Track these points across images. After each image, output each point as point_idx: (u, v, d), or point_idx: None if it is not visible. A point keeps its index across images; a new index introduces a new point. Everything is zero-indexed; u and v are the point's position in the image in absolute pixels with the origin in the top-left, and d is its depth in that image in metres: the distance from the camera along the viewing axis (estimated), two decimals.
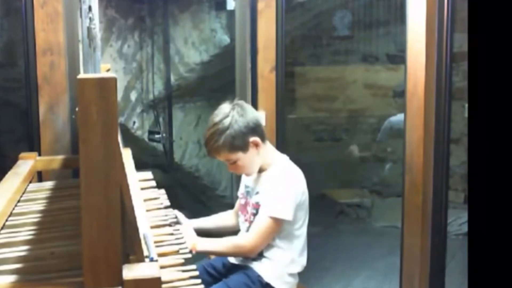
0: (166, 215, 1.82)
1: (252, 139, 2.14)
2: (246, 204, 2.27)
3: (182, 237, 1.75)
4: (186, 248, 1.94)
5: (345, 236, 4.68)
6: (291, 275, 2.18)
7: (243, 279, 2.14)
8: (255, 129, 2.15)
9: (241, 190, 2.35)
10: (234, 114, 2.13)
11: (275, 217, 2.09)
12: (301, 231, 2.20)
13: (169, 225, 1.77)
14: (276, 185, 2.13)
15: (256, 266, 2.17)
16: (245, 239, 2.14)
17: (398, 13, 4.84)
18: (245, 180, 2.34)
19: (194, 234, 2.16)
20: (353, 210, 5.24)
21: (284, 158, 2.25)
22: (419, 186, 2.51)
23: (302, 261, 2.22)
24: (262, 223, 2.11)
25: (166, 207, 1.94)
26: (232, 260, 2.25)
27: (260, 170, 2.23)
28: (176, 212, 2.24)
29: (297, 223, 2.17)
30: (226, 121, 2.12)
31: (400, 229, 2.65)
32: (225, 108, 2.17)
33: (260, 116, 2.25)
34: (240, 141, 2.12)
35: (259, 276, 2.14)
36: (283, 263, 2.16)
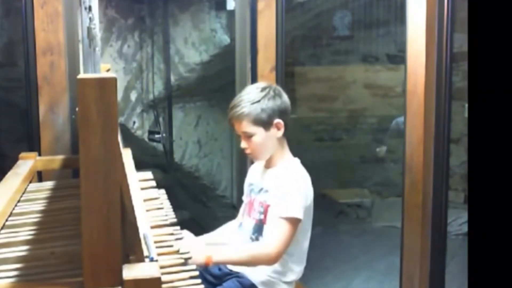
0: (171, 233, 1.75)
1: (278, 120, 2.09)
2: (251, 202, 2.19)
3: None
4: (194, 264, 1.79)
5: (345, 236, 4.68)
6: (285, 283, 2.11)
7: (236, 287, 2.09)
8: (284, 113, 2.11)
9: (245, 191, 2.28)
10: (271, 91, 2.10)
11: (288, 217, 1.99)
12: (303, 238, 2.13)
13: (172, 233, 1.74)
14: (285, 185, 2.05)
15: (250, 273, 2.11)
16: (268, 247, 1.99)
17: (398, 13, 4.84)
18: (248, 179, 2.28)
19: (203, 245, 2.06)
20: (353, 210, 5.25)
21: (296, 160, 2.19)
22: (419, 186, 2.51)
23: (299, 270, 2.14)
24: (279, 227, 2.00)
25: (172, 224, 1.85)
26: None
27: (268, 166, 2.18)
28: (185, 231, 2.12)
29: (302, 228, 2.08)
30: (262, 94, 2.09)
31: (400, 229, 2.65)
32: (262, 83, 2.18)
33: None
34: (266, 117, 2.07)
35: (252, 284, 2.09)
36: (279, 271, 2.09)
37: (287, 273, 2.11)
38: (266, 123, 2.08)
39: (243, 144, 2.13)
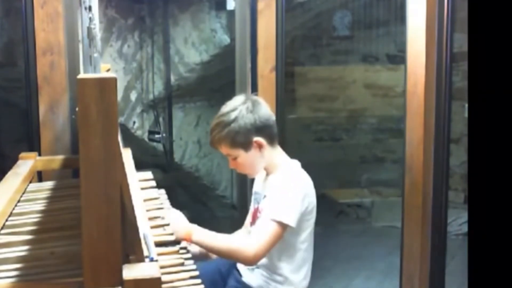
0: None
1: (256, 139, 2.02)
2: (255, 211, 2.15)
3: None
4: (175, 237, 1.73)
5: (345, 236, 4.68)
6: None
7: None
8: (262, 129, 2.03)
9: (252, 199, 2.24)
10: (242, 109, 2.02)
11: (278, 221, 1.93)
12: (304, 244, 2.05)
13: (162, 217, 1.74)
14: (280, 188, 2.00)
15: (251, 278, 2.09)
16: (247, 247, 1.92)
17: (398, 13, 4.84)
18: (254, 188, 2.23)
19: (187, 221, 1.98)
20: (353, 210, 5.25)
21: (295, 163, 2.13)
22: (419, 186, 2.51)
23: (300, 283, 2.06)
24: (265, 229, 1.94)
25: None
26: (238, 266, 2.16)
27: (267, 173, 2.12)
28: (173, 210, 2.08)
29: (300, 234, 2.02)
30: (233, 114, 2.01)
31: (400, 229, 2.65)
32: (237, 100, 2.07)
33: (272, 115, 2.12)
34: (243, 138, 2.01)
35: None
36: (276, 280, 2.04)
37: (284, 283, 2.04)
38: (244, 144, 2.02)
39: (231, 165, 2.10)
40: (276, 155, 2.10)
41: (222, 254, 2.00)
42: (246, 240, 2.00)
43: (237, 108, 2.03)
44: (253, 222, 2.15)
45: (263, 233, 1.94)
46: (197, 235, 1.92)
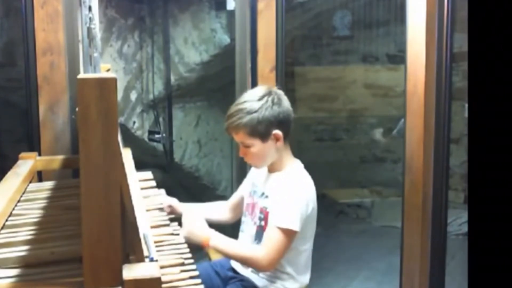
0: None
1: (276, 131, 2.03)
2: (253, 205, 2.15)
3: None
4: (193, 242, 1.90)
5: (345, 236, 4.68)
6: None
7: None
8: (282, 123, 2.04)
9: (247, 188, 2.24)
10: (269, 100, 2.02)
11: (285, 228, 1.96)
12: (306, 246, 2.09)
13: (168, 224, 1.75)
14: (285, 193, 2.01)
15: (255, 278, 2.09)
16: (262, 254, 1.97)
17: (398, 13, 4.84)
18: (253, 178, 2.23)
19: (206, 225, 2.03)
20: (353, 210, 5.25)
21: (299, 165, 2.14)
22: (419, 186, 2.51)
23: (303, 279, 2.10)
24: (274, 237, 1.97)
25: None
26: (233, 265, 2.18)
27: (271, 170, 2.13)
28: (171, 199, 2.19)
29: (303, 238, 2.05)
30: (258, 104, 2.00)
31: (400, 229, 2.65)
32: (262, 90, 2.07)
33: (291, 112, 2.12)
34: (264, 128, 2.00)
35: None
36: (280, 277, 2.06)
37: (289, 280, 2.07)
38: (263, 135, 2.02)
39: (242, 153, 2.09)
40: (285, 152, 2.12)
41: (238, 261, 2.10)
42: (257, 251, 2.02)
43: (263, 98, 2.03)
44: (251, 215, 2.15)
45: (271, 241, 1.98)
46: (214, 241, 1.99)
